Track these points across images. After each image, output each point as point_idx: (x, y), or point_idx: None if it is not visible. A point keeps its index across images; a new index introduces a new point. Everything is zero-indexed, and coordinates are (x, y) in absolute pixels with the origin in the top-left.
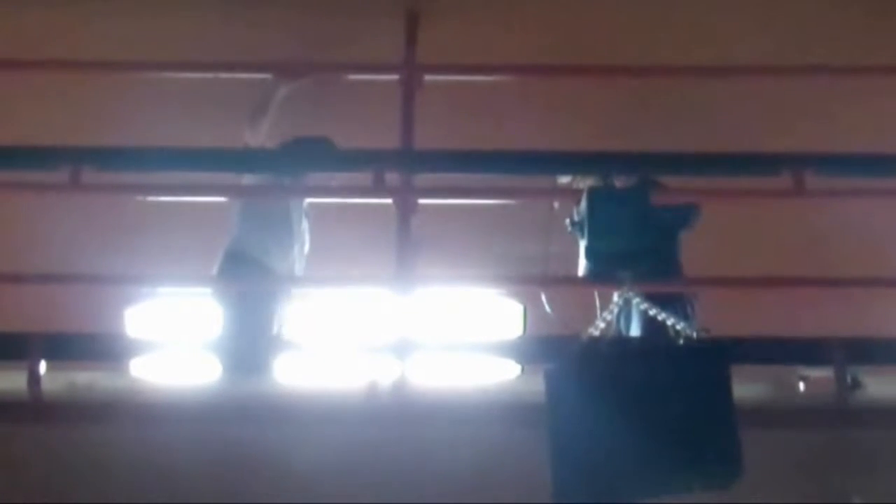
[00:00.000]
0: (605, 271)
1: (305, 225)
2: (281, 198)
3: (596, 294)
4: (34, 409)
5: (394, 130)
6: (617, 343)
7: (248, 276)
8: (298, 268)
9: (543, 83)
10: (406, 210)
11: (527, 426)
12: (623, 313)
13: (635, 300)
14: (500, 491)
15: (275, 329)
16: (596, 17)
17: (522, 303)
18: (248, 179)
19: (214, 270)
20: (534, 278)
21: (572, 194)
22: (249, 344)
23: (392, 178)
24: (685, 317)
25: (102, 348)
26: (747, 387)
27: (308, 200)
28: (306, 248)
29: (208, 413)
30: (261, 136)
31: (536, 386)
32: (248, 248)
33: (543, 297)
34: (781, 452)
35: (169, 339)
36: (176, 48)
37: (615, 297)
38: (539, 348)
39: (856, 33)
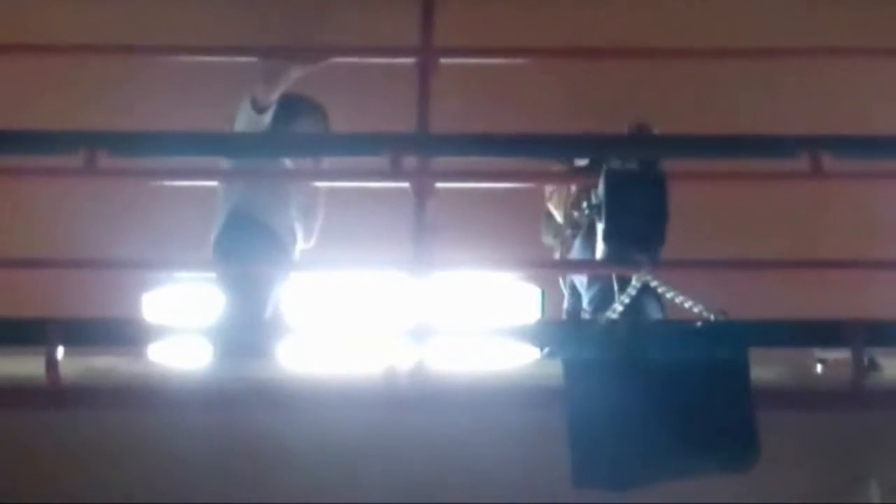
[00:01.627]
0: (622, 254)
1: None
2: (296, 180)
3: (614, 277)
4: (52, 395)
5: (410, 114)
6: (635, 326)
7: (251, 236)
8: (299, 231)
9: (560, 66)
10: (423, 194)
11: (544, 410)
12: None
13: (653, 283)
14: (518, 475)
15: (276, 304)
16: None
17: (540, 286)
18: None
19: (215, 234)
20: (552, 262)
21: (590, 177)
22: (253, 323)
23: (409, 161)
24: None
25: (120, 333)
26: (764, 369)
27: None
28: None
29: (227, 398)
30: (272, 99)
31: (554, 370)
32: (252, 209)
33: (561, 281)
34: (798, 435)
35: (186, 325)
36: (190, 31)
37: (633, 281)
38: (557, 332)
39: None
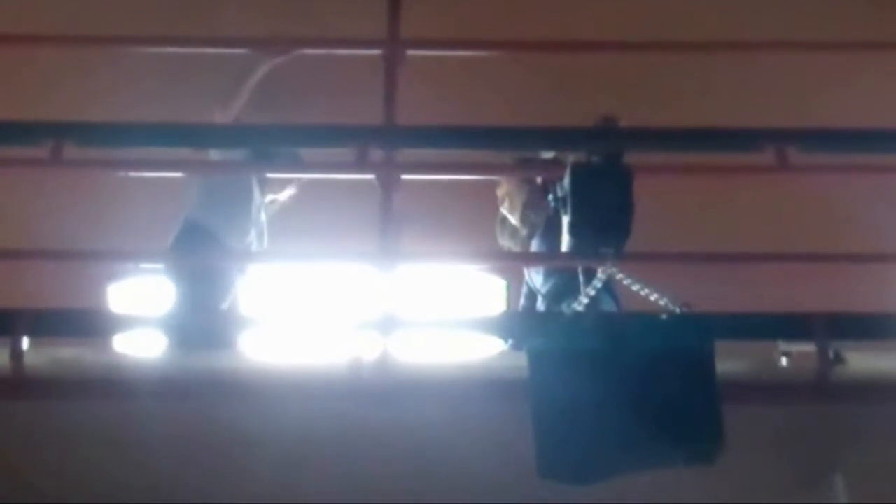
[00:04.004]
0: (588, 247)
1: (264, 218)
2: (260, 174)
3: (580, 270)
4: (17, 385)
5: (376, 106)
6: (600, 318)
7: (204, 249)
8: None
9: (527, 58)
10: (389, 186)
11: (510, 402)
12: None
13: (618, 276)
14: (484, 467)
15: (231, 303)
16: None
17: (506, 279)
18: (214, 156)
19: (170, 240)
20: (517, 255)
21: (556, 170)
22: (212, 318)
23: (375, 153)
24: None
25: (85, 324)
26: (729, 362)
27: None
28: (265, 241)
29: (192, 389)
30: (231, 115)
31: (520, 362)
32: (208, 222)
33: (526, 273)
34: (763, 428)
35: (151, 315)
36: (156, 23)
37: (599, 273)
38: (523, 324)
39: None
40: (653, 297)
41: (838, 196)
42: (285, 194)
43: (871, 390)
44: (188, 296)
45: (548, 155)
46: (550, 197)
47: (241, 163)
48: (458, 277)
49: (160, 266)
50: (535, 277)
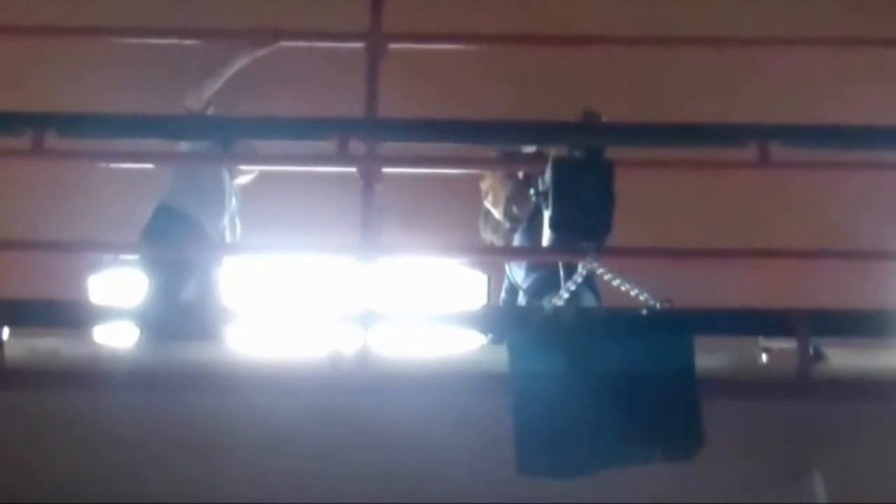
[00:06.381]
0: (569, 242)
1: (235, 203)
2: (239, 164)
3: (560, 265)
4: None
5: (358, 99)
6: (581, 313)
7: (180, 232)
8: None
9: (509, 53)
10: (370, 179)
11: (490, 396)
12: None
13: (599, 271)
14: (463, 461)
15: (210, 289)
16: None
17: (487, 273)
18: (184, 146)
19: (145, 225)
20: (498, 249)
21: (537, 164)
22: (191, 309)
23: (356, 146)
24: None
25: (65, 315)
26: (709, 358)
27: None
28: (238, 230)
29: (172, 381)
30: (203, 100)
31: (500, 356)
32: (183, 206)
33: (507, 268)
34: (743, 424)
35: (131, 307)
36: (138, 13)
37: (579, 268)
38: (503, 319)
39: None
40: (633, 293)
41: (820, 192)
42: (246, 179)
43: (850, 387)
44: (164, 282)
45: (530, 149)
46: (532, 191)
47: (220, 153)
48: (439, 271)
49: (139, 255)
50: (517, 272)
